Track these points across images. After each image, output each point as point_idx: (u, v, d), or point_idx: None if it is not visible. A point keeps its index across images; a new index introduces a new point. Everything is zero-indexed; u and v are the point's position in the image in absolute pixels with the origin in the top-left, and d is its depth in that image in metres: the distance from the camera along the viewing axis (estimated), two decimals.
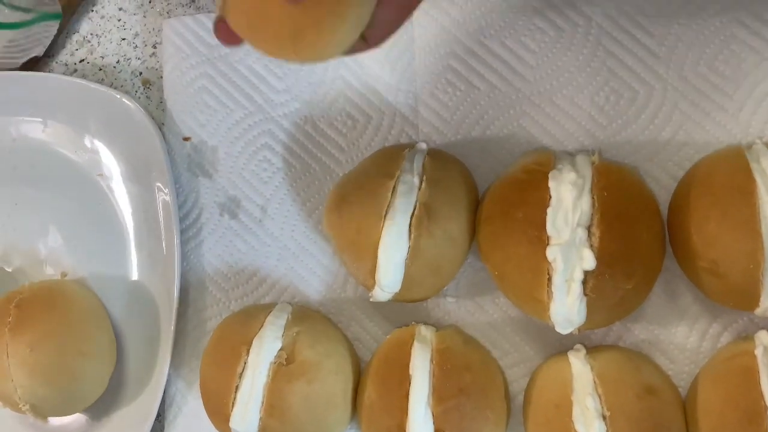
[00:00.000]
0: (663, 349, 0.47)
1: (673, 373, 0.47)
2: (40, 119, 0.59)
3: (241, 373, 0.46)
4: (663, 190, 0.47)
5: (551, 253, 0.42)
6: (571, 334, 0.44)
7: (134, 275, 0.56)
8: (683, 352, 0.47)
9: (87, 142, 0.58)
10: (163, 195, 0.55)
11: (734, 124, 0.47)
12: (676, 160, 0.47)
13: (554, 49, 0.49)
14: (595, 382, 0.43)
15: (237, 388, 0.46)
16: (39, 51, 0.58)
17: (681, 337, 0.47)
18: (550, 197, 0.43)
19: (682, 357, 0.47)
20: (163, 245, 0.55)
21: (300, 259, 0.53)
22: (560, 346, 0.48)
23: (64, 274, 0.58)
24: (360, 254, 0.46)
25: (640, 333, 0.47)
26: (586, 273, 0.42)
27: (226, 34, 0.33)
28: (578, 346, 0.46)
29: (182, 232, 0.55)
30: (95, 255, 0.57)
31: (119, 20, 0.60)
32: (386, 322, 0.52)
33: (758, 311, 0.42)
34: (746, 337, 0.44)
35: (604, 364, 0.44)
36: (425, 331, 0.47)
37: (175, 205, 0.54)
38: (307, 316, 0.50)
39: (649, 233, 0.43)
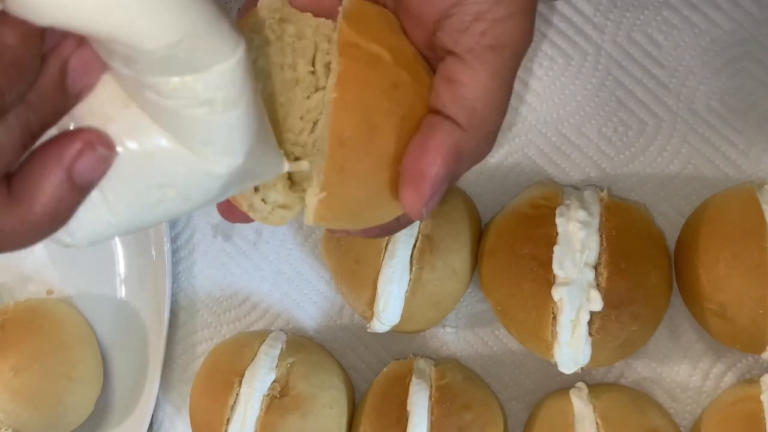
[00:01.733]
0: (665, 387, 0.46)
1: (675, 412, 0.46)
2: None
3: (233, 406, 0.45)
4: (670, 224, 0.46)
5: (557, 293, 0.40)
6: None
7: (122, 295, 0.55)
8: (685, 391, 0.46)
9: None
10: None
11: (744, 159, 0.46)
12: (684, 194, 0.46)
13: (562, 77, 0.48)
14: (597, 423, 0.42)
15: (228, 420, 0.45)
16: None
17: (684, 376, 0.46)
18: (557, 234, 0.42)
19: (684, 396, 0.46)
20: (153, 265, 0.53)
21: (295, 284, 0.52)
22: (561, 381, 0.47)
23: (49, 292, 0.56)
24: (359, 285, 0.45)
25: (643, 370, 0.47)
26: (592, 313, 0.41)
27: (230, 212, 0.32)
28: (580, 384, 0.45)
29: (173, 252, 0.53)
30: (82, 273, 0.55)
31: None
32: (383, 351, 0.50)
33: (765, 355, 0.41)
34: (751, 381, 0.43)
35: (607, 405, 0.43)
36: (424, 365, 0.46)
37: (166, 224, 0.52)
38: (302, 345, 0.48)
39: (657, 274, 0.42)
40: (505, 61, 0.28)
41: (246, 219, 0.31)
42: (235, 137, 0.25)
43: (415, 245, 0.44)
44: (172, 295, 0.53)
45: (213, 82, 0.23)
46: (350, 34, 0.28)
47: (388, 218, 0.32)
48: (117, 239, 0.55)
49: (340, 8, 0.30)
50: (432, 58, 0.30)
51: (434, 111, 0.29)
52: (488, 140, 0.29)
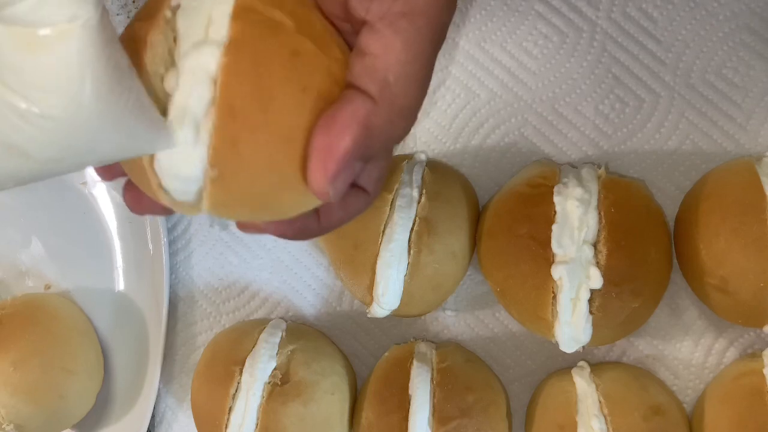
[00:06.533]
0: (667, 364, 0.46)
1: (678, 389, 0.46)
2: None
3: (235, 394, 0.45)
4: (669, 200, 0.46)
5: (556, 271, 0.40)
6: None
7: (121, 288, 0.54)
8: (688, 367, 0.46)
9: None
10: None
11: (742, 133, 0.45)
12: (682, 170, 0.46)
13: (557, 55, 0.47)
14: (600, 402, 0.42)
15: (230, 409, 0.44)
16: None
17: (686, 353, 0.46)
18: (555, 213, 0.41)
19: (687, 373, 0.46)
20: (151, 257, 0.53)
21: (294, 271, 0.51)
22: (563, 361, 0.47)
23: (47, 287, 0.56)
24: (357, 270, 0.45)
25: (645, 348, 0.46)
26: (593, 291, 0.41)
27: (136, 202, 0.30)
28: (582, 363, 0.45)
29: (170, 243, 0.53)
30: (80, 267, 0.55)
31: None
32: (384, 337, 0.50)
33: (767, 328, 0.41)
34: (753, 355, 0.43)
35: (610, 383, 0.43)
36: (425, 348, 0.46)
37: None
38: (302, 332, 0.48)
39: (657, 250, 0.42)
40: (420, 29, 0.26)
41: (155, 210, 0.29)
42: (62, 73, 0.20)
43: (412, 228, 0.44)
44: (171, 286, 0.53)
45: None
46: None
47: (301, 208, 0.29)
48: (113, 232, 0.55)
49: None
50: (351, 33, 0.28)
51: (348, 85, 0.27)
52: (404, 116, 0.27)
